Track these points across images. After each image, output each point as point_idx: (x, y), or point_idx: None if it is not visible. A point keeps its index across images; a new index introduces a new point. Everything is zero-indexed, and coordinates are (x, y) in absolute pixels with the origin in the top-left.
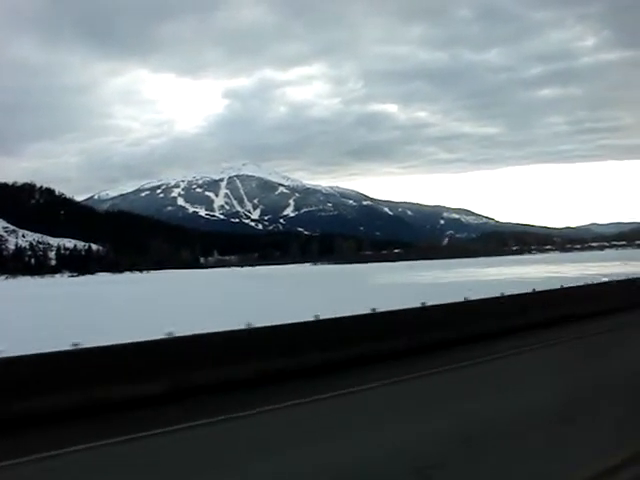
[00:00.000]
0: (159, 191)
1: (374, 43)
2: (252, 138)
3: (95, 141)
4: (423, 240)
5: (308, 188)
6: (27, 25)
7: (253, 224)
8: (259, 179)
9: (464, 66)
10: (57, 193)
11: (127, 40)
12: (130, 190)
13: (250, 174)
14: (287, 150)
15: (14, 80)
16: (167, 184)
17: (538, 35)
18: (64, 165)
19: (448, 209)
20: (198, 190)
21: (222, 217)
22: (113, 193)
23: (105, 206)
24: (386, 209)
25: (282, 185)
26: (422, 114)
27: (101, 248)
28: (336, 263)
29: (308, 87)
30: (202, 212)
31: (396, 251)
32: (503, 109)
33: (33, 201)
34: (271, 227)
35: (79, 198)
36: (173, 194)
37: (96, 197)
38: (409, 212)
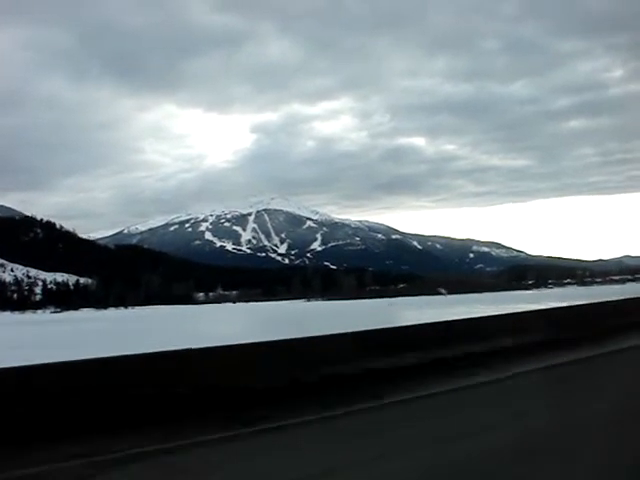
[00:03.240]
0: (187, 225)
1: (399, 76)
2: (280, 172)
3: (126, 176)
4: (432, 274)
5: (336, 222)
6: (57, 64)
7: (279, 258)
8: (287, 213)
9: (490, 98)
10: (57, 226)
11: (155, 76)
12: (159, 224)
13: (278, 208)
14: (316, 184)
15: (46, 117)
16: (196, 218)
17: (565, 66)
18: (95, 200)
19: (478, 242)
20: (226, 224)
21: (248, 251)
22: (143, 227)
23: (134, 240)
24: (415, 243)
25: (310, 219)
26: (450, 147)
27: (90, 282)
28: (330, 299)
29: (335, 121)
30: (229, 246)
31: (401, 286)
32: (532, 141)
33: (32, 234)
34: (297, 261)
35: (109, 233)
36: (201, 228)
37: (125, 231)
38: (438, 246)
